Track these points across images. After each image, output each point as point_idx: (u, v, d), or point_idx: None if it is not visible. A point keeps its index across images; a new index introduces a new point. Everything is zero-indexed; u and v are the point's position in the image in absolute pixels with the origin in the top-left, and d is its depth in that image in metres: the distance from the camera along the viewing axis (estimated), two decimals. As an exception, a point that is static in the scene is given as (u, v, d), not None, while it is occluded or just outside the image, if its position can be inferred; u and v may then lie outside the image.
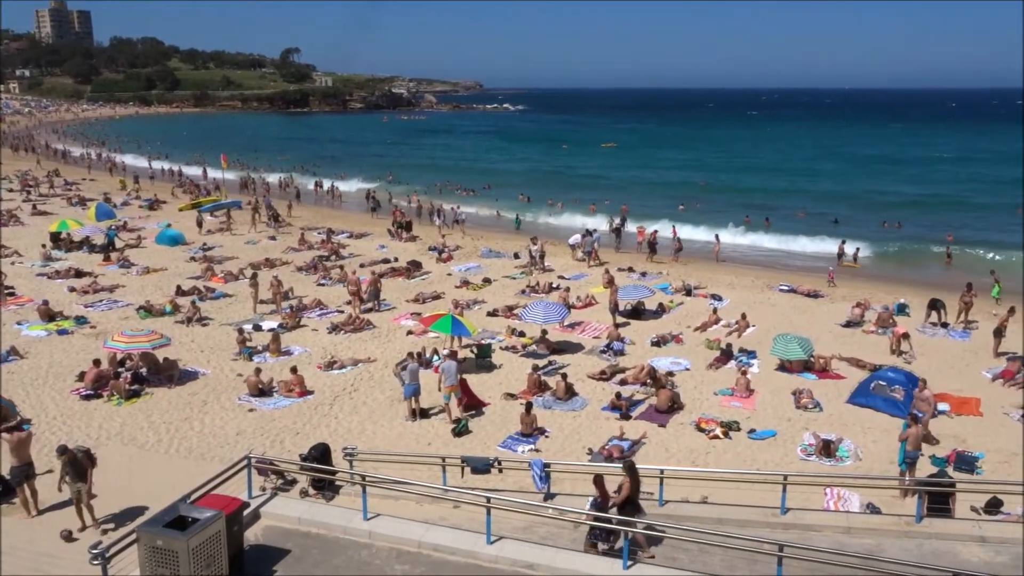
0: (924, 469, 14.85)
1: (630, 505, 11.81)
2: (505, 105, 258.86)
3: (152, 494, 13.44)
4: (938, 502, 12.95)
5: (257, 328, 24.49)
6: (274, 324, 24.98)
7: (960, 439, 17.04)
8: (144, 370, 20.33)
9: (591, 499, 12.04)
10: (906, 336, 23.14)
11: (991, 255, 37.00)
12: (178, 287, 28.97)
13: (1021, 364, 21.11)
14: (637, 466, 12.34)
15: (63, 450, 12.90)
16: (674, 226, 40.27)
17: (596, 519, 11.60)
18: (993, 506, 13.55)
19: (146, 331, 21.34)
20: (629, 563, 11.02)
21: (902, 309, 26.96)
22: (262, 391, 19.26)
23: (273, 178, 66.13)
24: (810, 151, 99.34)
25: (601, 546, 11.56)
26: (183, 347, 22.72)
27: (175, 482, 13.47)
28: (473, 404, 18.74)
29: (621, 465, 12.27)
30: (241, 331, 23.22)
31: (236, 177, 66.08)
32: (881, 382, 18.87)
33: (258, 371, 19.87)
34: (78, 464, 12.77)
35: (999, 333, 22.82)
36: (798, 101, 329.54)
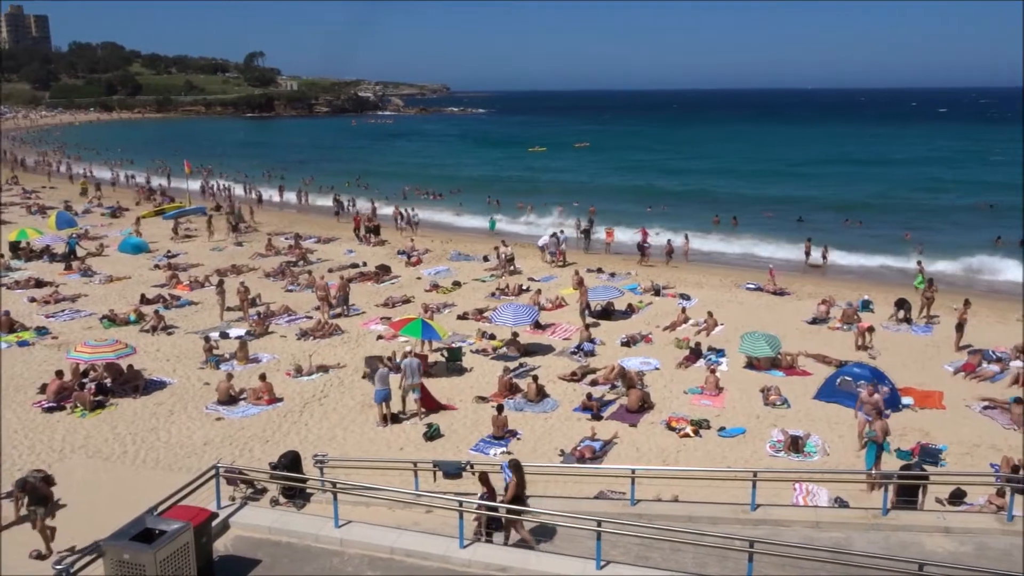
0: (891, 463, 15.08)
1: (517, 502, 11.96)
2: (474, 109, 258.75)
3: (118, 507, 13.14)
4: (907, 494, 13.17)
5: (224, 336, 24.19)
6: (241, 331, 24.69)
7: (924, 432, 17.37)
8: (108, 381, 19.97)
9: (480, 495, 12.11)
10: (871, 330, 23.56)
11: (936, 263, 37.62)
12: (142, 295, 28.52)
13: (981, 358, 21.61)
14: (609, 466, 12.42)
15: (21, 484, 12.70)
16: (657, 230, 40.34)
17: (489, 510, 11.90)
18: (957, 497, 13.83)
19: (110, 341, 20.99)
20: (603, 563, 11.05)
21: (866, 305, 27.41)
22: (233, 397, 19.03)
23: (238, 183, 65.37)
24: (758, 151, 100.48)
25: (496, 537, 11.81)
26: (148, 356, 22.36)
27: (142, 494, 13.19)
28: (430, 407, 18.71)
29: (506, 464, 12.43)
30: (208, 339, 22.94)
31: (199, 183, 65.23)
32: (847, 378, 19.15)
33: (229, 376, 19.65)
34: (37, 492, 12.55)
35: (959, 327, 23.30)
36: (745, 102, 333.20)
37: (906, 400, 19.01)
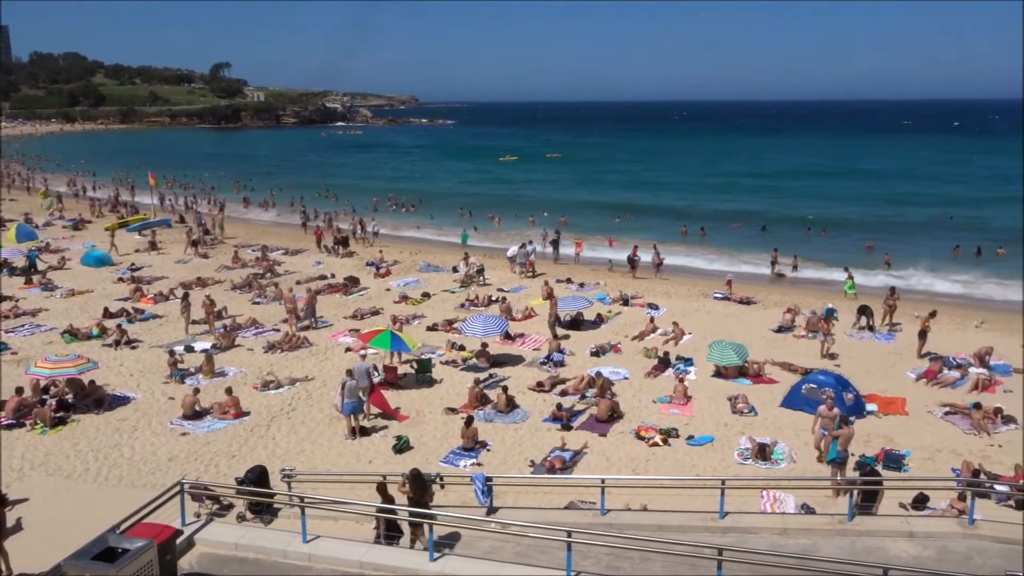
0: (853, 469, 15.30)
1: (418, 509, 12.21)
2: (444, 120, 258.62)
3: (80, 525, 12.87)
4: (866, 499, 13.39)
5: (189, 349, 23.85)
6: (207, 344, 24.37)
7: (888, 438, 17.67)
8: (70, 396, 19.58)
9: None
10: (827, 322, 24.00)
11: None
12: (105, 309, 28.02)
13: (942, 364, 22.05)
14: (579, 476, 12.49)
15: None
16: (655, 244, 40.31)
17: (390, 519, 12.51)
18: (920, 502, 14.06)
19: (72, 356, 20.61)
20: (573, 573, 11.07)
21: (830, 313, 27.76)
22: (198, 412, 18.76)
23: (203, 194, 64.66)
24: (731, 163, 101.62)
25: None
26: (111, 371, 21.97)
27: (104, 512, 12.94)
28: (386, 412, 18.69)
29: (406, 474, 12.82)
30: (172, 353, 22.60)
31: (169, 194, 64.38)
32: (812, 385, 19.39)
33: (195, 390, 19.39)
34: None
35: (922, 335, 23.76)
36: (717, 113, 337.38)
37: (870, 407, 19.33)
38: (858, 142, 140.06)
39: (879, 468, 15.82)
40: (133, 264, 36.96)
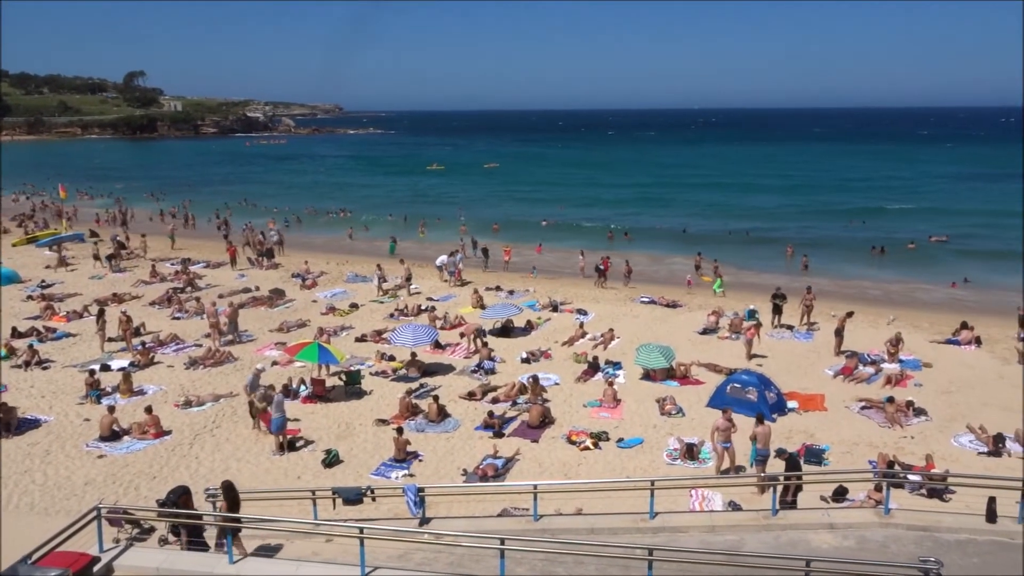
0: (776, 465, 15.75)
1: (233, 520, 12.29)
2: (374, 129, 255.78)
3: (-13, 557, 12.23)
4: (785, 491, 13.84)
5: (106, 368, 22.93)
6: (124, 363, 23.47)
7: (808, 434, 18.27)
8: (-25, 421, 18.55)
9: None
10: (758, 326, 24.70)
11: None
12: (14, 329, 26.70)
13: (858, 361, 22.96)
14: (511, 482, 12.46)
15: None
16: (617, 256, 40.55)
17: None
18: (839, 494, 14.60)
19: (-24, 378, 19.53)
20: (507, 581, 11.06)
21: (752, 315, 28.60)
22: (116, 432, 18.02)
23: (120, 207, 62.33)
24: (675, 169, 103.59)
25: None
26: (21, 393, 20.95)
27: (14, 542, 12.30)
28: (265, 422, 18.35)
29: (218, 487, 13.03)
30: (93, 372, 21.65)
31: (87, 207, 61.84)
32: (736, 384, 19.92)
33: (112, 410, 18.64)
34: None
35: (839, 333, 24.67)
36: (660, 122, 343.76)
37: (791, 404, 19.96)
38: (775, 150, 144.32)
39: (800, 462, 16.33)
40: (44, 281, 35.36)
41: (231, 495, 12.59)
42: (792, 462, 14.63)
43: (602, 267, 36.02)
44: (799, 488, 13.81)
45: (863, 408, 19.87)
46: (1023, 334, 25.68)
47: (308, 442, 18.05)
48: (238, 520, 12.16)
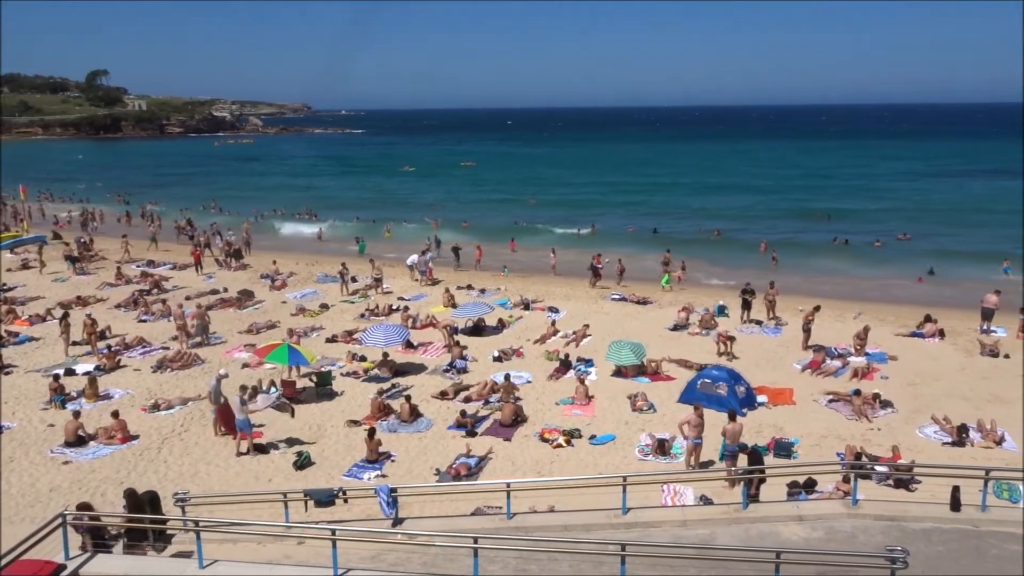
0: (742, 460, 15.90)
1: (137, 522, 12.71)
2: (344, 128, 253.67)
3: (-52, 568, 11.96)
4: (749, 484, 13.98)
5: (70, 372, 22.51)
6: (90, 367, 23.07)
7: (778, 427, 18.50)
8: (-66, 429, 18.13)
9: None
10: (731, 339, 24.74)
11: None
12: (-26, 333, 26.11)
13: (825, 355, 23.29)
14: (484, 481, 12.46)
15: None
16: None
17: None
18: (808, 486, 14.78)
19: (-65, 385, 19.07)
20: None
21: (722, 311, 28.94)
22: (82, 438, 17.70)
23: (83, 208, 61.25)
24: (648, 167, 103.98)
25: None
26: (-18, 400, 20.49)
27: (-24, 551, 12.05)
28: (226, 427, 18.20)
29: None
30: (57, 377, 21.23)
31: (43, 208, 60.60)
32: (707, 380, 20.11)
33: (77, 415, 18.29)
34: None
35: (807, 328, 25.00)
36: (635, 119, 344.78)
37: (761, 398, 20.19)
38: (745, 147, 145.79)
39: (769, 457, 16.55)
40: (5, 284, 34.61)
41: (133, 500, 13.08)
42: (755, 456, 14.80)
43: (596, 265, 35.36)
44: (762, 481, 13.96)
45: (831, 401, 20.15)
46: (985, 327, 26.25)
47: (278, 444, 17.88)
48: (164, 522, 12.78)
